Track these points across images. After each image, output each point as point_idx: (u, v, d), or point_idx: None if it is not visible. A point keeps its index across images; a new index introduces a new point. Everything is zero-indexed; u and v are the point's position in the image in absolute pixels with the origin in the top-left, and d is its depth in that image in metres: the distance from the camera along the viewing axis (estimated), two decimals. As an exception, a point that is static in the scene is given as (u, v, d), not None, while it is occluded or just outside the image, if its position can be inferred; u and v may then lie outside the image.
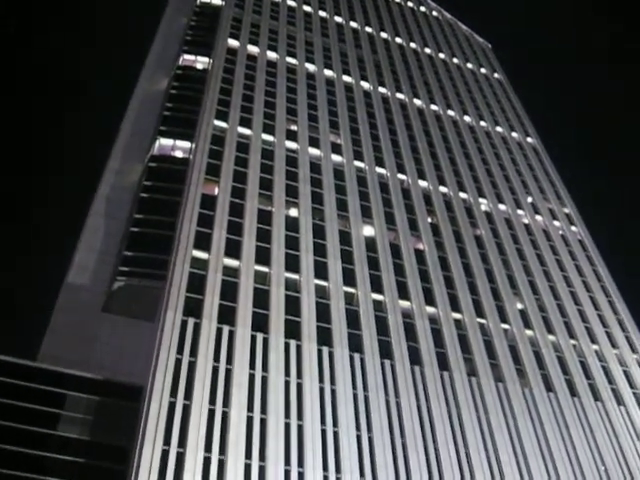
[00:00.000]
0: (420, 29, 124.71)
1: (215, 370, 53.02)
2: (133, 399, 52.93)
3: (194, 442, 48.11)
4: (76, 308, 63.93)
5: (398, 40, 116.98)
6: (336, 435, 52.86)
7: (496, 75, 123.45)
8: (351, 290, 65.47)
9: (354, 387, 56.85)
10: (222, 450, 48.59)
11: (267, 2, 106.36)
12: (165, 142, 77.30)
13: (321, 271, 65.56)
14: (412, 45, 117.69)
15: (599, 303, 79.67)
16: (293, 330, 58.91)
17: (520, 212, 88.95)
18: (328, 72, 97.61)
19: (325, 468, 50.61)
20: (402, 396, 57.87)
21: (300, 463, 50.15)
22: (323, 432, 52.60)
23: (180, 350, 52.94)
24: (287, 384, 54.65)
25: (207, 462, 47.64)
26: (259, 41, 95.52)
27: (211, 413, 50.15)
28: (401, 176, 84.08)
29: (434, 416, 57.64)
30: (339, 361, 58.18)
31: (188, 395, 50.44)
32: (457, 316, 68.56)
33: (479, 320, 69.30)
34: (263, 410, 52.00)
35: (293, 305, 61.12)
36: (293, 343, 57.81)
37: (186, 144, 76.16)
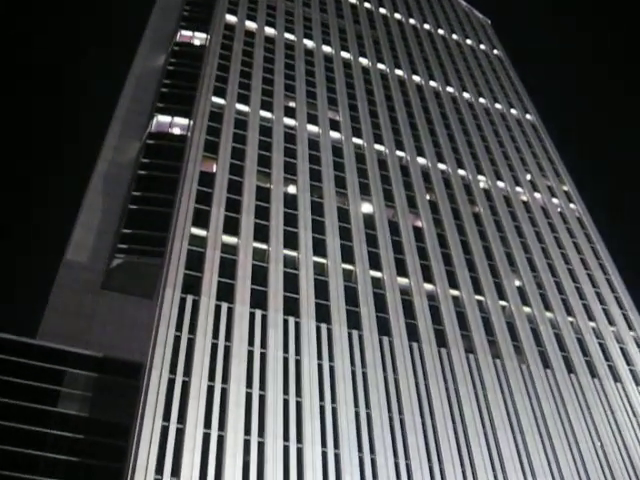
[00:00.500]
0: (419, 5, 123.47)
1: (214, 347, 53.14)
2: (132, 376, 53.26)
3: (193, 418, 48.36)
4: (75, 286, 64.21)
5: (397, 16, 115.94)
6: (334, 411, 53.13)
7: (495, 52, 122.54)
8: (349, 267, 65.50)
9: (352, 364, 57.06)
10: (221, 426, 48.86)
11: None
12: (163, 119, 76.97)
13: (319, 248, 65.55)
14: (411, 21, 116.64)
15: (597, 281, 79.84)
16: (291, 307, 58.99)
17: (519, 189, 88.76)
18: (326, 48, 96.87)
19: (324, 444, 50.93)
20: (400, 373, 58.14)
21: (299, 439, 50.46)
22: (322, 408, 52.86)
23: (179, 327, 53.04)
24: (286, 361, 54.84)
25: (206, 438, 47.90)
26: (257, 17, 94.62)
27: (210, 389, 50.36)
28: (400, 153, 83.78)
29: (432, 392, 57.97)
30: (337, 338, 58.33)
31: (187, 372, 50.61)
32: (455, 293, 68.72)
33: (477, 297, 69.46)
34: (262, 386, 52.22)
35: (291, 282, 61.15)
36: (292, 320, 57.93)
37: (184, 121, 75.79)
